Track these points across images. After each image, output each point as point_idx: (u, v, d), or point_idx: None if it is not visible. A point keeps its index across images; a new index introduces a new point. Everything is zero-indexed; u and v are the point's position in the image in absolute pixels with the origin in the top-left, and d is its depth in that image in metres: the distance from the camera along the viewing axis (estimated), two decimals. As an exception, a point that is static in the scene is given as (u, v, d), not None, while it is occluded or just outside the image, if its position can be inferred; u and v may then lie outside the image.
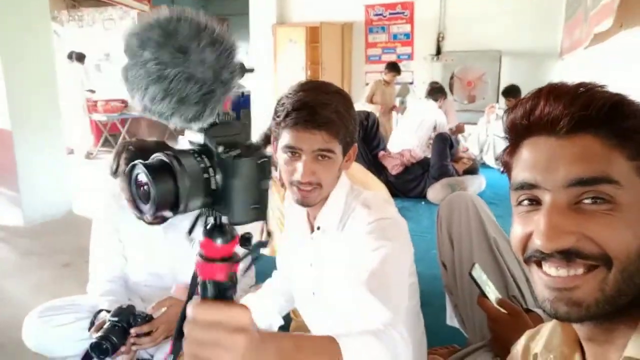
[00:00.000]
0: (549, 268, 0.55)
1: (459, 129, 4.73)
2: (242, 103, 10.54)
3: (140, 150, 1.41)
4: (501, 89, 6.25)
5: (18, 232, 3.74)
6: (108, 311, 1.41)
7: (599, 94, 0.55)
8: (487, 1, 6.32)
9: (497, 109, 5.15)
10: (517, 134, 0.60)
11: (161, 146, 1.47)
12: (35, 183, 3.91)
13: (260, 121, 7.61)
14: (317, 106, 1.02)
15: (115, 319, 1.33)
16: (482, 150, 5.22)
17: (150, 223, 1.48)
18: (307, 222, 1.22)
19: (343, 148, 1.09)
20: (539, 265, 0.57)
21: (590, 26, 3.80)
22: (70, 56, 6.62)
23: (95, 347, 1.27)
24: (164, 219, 1.51)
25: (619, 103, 0.55)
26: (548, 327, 0.71)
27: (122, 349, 1.31)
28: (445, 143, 3.94)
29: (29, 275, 2.93)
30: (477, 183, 3.97)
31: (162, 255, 1.62)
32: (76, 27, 7.87)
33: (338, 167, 1.11)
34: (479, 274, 1.29)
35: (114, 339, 1.28)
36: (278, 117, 1.06)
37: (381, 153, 4.07)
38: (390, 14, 6.96)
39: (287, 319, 1.98)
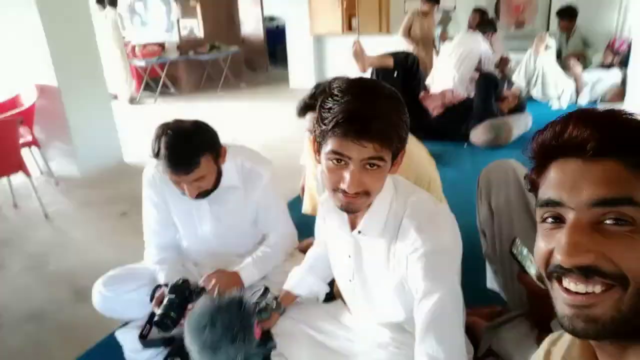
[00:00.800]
0: (569, 283, 0.57)
1: (504, 63, 4.46)
2: (277, 36, 10.32)
3: (180, 134, 1.44)
4: (552, 13, 5.80)
5: (75, 182, 3.97)
6: (166, 285, 1.53)
7: (627, 121, 0.57)
8: None
9: (547, 39, 4.80)
10: (546, 154, 0.63)
11: (199, 129, 1.51)
12: (86, 134, 4.08)
13: (297, 56, 7.47)
14: (370, 118, 0.93)
15: (173, 296, 1.44)
16: (530, 83, 4.95)
17: (195, 199, 1.56)
18: (346, 221, 1.19)
19: (393, 154, 1.03)
20: (560, 281, 0.59)
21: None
22: (99, 1, 6.57)
23: (158, 323, 1.40)
24: (206, 194, 1.58)
25: None
26: (567, 340, 0.72)
27: (182, 321, 1.43)
28: (489, 83, 3.74)
29: (90, 225, 3.16)
30: (522, 123, 3.81)
31: (207, 224, 1.71)
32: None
33: (386, 174, 1.06)
34: (519, 249, 1.29)
35: (173, 314, 1.41)
36: (325, 124, 0.97)
37: (422, 94, 3.94)
38: None
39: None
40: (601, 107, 4.58)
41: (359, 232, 1.16)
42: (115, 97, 6.67)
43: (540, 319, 1.28)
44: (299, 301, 1.51)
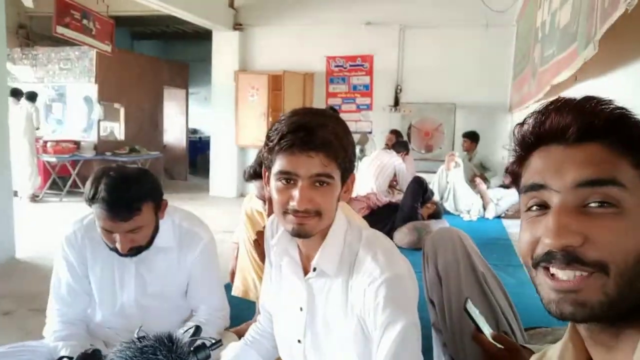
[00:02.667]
0: (556, 270, 0.57)
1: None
2: (201, 148, 10.45)
3: (122, 176, 1.33)
4: (456, 139, 6.54)
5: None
6: (70, 358, 1.26)
7: (605, 106, 0.60)
8: (441, 58, 6.68)
9: (456, 157, 5.34)
10: (528, 145, 0.64)
11: (143, 174, 1.40)
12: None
13: (219, 166, 7.52)
14: (314, 127, 0.96)
15: None
16: (443, 197, 5.34)
17: (123, 255, 1.38)
18: (299, 263, 1.13)
19: (342, 175, 1.02)
20: (546, 269, 0.59)
21: (541, 81, 4.06)
22: (14, 94, 6.33)
23: None
24: (138, 251, 1.41)
25: (623, 115, 0.59)
26: (557, 350, 0.70)
27: None
28: (420, 186, 4.02)
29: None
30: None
31: (130, 291, 1.49)
32: (29, 65, 7.62)
33: (337, 196, 1.04)
34: (472, 308, 1.27)
35: None
36: (271, 141, 0.99)
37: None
38: (350, 65, 7.21)
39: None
40: (505, 222, 5.11)
41: (314, 269, 1.08)
42: (16, 193, 6.11)
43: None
44: None
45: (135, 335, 0.98)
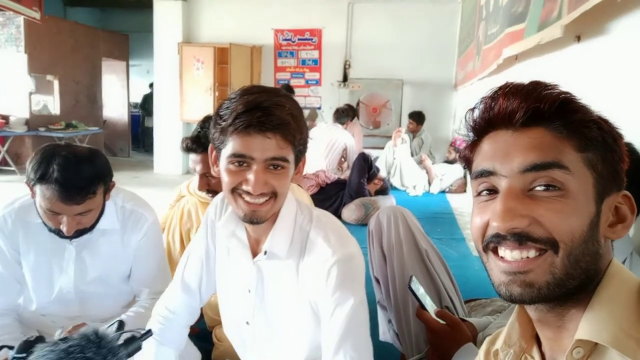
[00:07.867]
0: (504, 251, 0.59)
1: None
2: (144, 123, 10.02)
3: (76, 157, 1.24)
4: (404, 115, 6.64)
5: None
6: (10, 347, 1.17)
7: (550, 91, 0.61)
8: (389, 33, 6.71)
9: (403, 133, 5.42)
10: (479, 130, 0.65)
11: (95, 155, 1.32)
12: None
13: (164, 142, 7.26)
14: (271, 107, 0.91)
15: (23, 355, 1.09)
16: (390, 173, 5.43)
17: (65, 237, 1.30)
18: (247, 245, 1.10)
19: (295, 158, 0.99)
20: (495, 251, 0.61)
21: (485, 59, 4.15)
22: None
23: None
24: (80, 234, 1.33)
25: (567, 99, 0.60)
26: (505, 329, 0.72)
27: None
28: (366, 162, 4.05)
29: None
30: (388, 203, 4.10)
31: (69, 277, 1.41)
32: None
33: (290, 178, 1.01)
34: (416, 286, 1.29)
35: None
36: (224, 120, 0.93)
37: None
38: (299, 39, 7.09)
39: (210, 345, 1.83)
40: (449, 196, 5.28)
41: (265, 252, 1.05)
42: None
43: (441, 356, 1.25)
44: None
45: (57, 337, 0.91)
